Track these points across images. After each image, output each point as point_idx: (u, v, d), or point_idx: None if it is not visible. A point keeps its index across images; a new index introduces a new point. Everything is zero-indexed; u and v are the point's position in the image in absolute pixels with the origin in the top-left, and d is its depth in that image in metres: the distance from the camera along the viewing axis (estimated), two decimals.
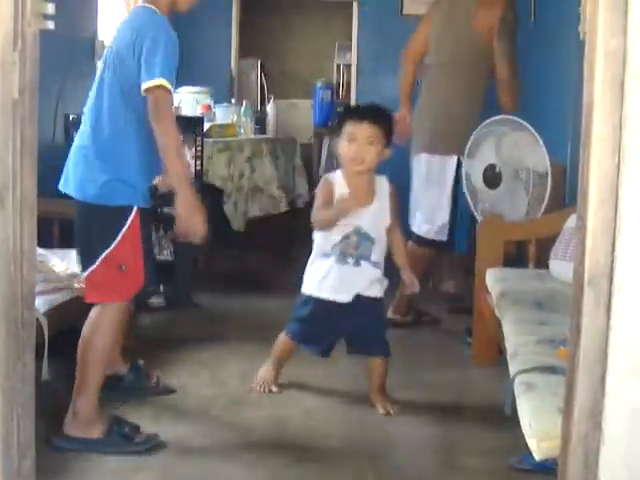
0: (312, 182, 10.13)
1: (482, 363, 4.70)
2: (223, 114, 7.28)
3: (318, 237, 4.08)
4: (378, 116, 4.01)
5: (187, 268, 5.97)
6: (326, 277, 4.03)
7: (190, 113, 6.96)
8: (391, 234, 4.12)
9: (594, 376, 1.89)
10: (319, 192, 4.09)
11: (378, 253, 4.04)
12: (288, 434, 3.78)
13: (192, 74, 8.03)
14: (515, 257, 5.31)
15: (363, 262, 4.00)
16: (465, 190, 5.19)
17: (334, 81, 11.37)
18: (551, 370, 2.81)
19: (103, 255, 3.48)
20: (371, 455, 3.57)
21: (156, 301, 5.84)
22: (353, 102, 9.05)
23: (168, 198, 5.74)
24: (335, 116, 11.15)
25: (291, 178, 7.75)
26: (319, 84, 11.31)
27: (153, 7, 3.52)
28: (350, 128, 3.97)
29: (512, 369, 3.04)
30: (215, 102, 7.35)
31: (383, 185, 4.10)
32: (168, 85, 3.39)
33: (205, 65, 8.38)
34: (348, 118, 4.02)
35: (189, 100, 7.17)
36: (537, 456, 2.54)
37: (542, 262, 4.65)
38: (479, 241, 4.79)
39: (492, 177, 5.01)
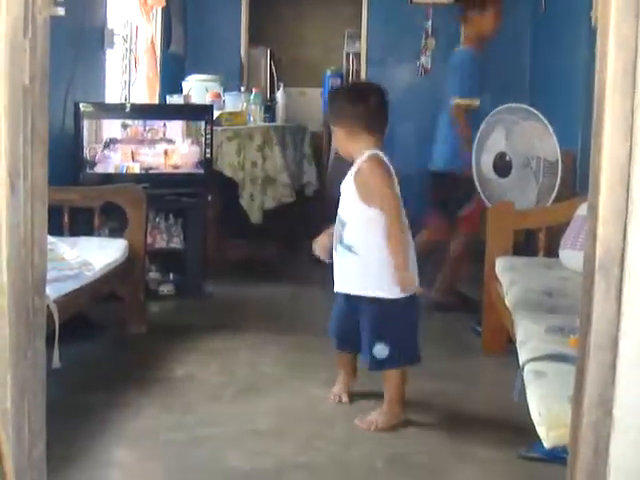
0: (322, 170, 10.15)
1: (492, 352, 4.69)
2: (233, 102, 7.27)
3: None
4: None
5: (197, 257, 5.98)
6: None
7: (199, 101, 6.96)
8: (389, 222, 3.67)
9: (604, 364, 1.88)
10: None
11: (350, 236, 3.70)
12: (296, 422, 3.79)
13: (202, 62, 8.07)
14: (525, 245, 5.30)
15: (338, 246, 3.75)
16: (475, 178, 5.17)
17: (344, 69, 11.36)
18: (561, 358, 2.80)
19: None
20: (380, 443, 3.57)
21: (166, 289, 5.86)
22: None
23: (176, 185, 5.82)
24: None
25: (299, 166, 7.74)
26: (329, 72, 11.31)
27: None
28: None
29: (522, 357, 3.03)
30: (225, 90, 7.34)
31: (360, 159, 3.70)
32: None
33: (215, 53, 8.39)
34: None
35: (199, 88, 7.18)
36: (547, 444, 2.53)
37: (552, 251, 4.64)
38: (489, 229, 4.78)
39: (502, 166, 5.01)
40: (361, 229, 3.70)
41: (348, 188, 3.72)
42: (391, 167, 3.73)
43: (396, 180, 3.78)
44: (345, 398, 4.01)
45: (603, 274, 1.85)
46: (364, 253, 3.70)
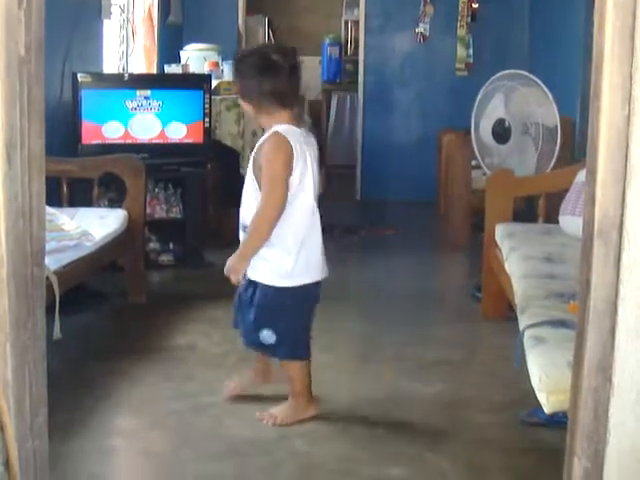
0: (321, 139, 10.13)
1: (492, 318, 4.70)
2: (231, 71, 7.23)
3: None
4: (234, 69, 3.53)
5: (197, 226, 5.98)
6: None
7: (198, 70, 6.94)
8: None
9: (603, 330, 1.89)
10: None
11: (246, 215, 3.40)
12: None
13: (200, 32, 8.04)
14: (525, 212, 5.30)
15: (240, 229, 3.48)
16: (474, 145, 5.17)
17: (342, 37, 11.33)
18: (561, 324, 2.81)
19: None
20: (382, 410, 3.59)
21: (166, 259, 5.86)
22: (361, 58, 8.99)
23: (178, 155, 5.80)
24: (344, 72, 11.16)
25: None
26: (327, 41, 11.28)
27: None
28: None
29: (522, 323, 3.04)
30: (223, 59, 7.31)
31: (262, 139, 3.39)
32: None
33: (212, 22, 8.35)
34: None
35: (196, 57, 7.15)
36: (547, 409, 2.55)
37: (552, 217, 4.64)
38: (488, 196, 4.77)
39: (501, 132, 5.00)
40: (254, 209, 3.36)
41: (250, 166, 3.41)
42: (298, 144, 3.32)
43: (304, 159, 3.35)
44: (232, 392, 3.69)
45: (602, 239, 1.85)
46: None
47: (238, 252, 3.41)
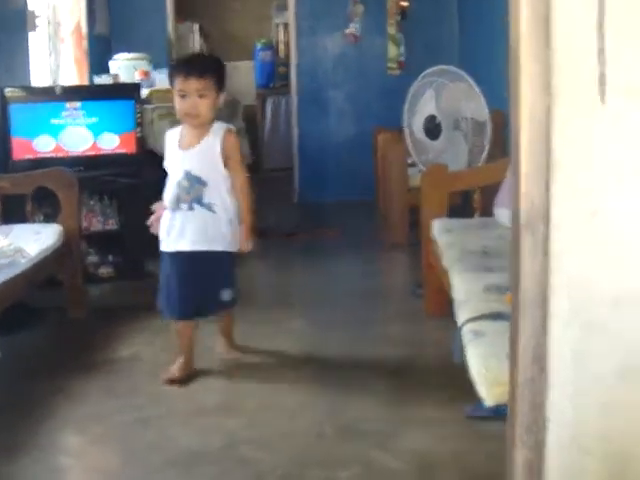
0: (258, 143, 10.12)
1: (433, 314, 4.70)
2: (162, 79, 7.19)
3: (165, 194, 4.03)
4: (205, 68, 3.94)
5: (135, 237, 5.91)
6: (168, 229, 3.98)
7: (128, 80, 6.89)
8: (234, 176, 3.99)
9: (536, 319, 1.89)
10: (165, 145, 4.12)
11: (213, 196, 3.93)
12: (243, 397, 3.79)
13: (128, 40, 7.97)
14: (461, 207, 5.33)
15: (196, 205, 3.92)
16: (408, 141, 5.18)
17: (274, 41, 11.32)
18: (499, 316, 2.83)
19: None
20: (326, 411, 3.59)
21: (106, 271, 5.80)
22: (293, 61, 8.98)
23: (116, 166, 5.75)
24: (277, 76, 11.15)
25: None
26: (259, 45, 11.26)
27: None
28: (180, 84, 3.91)
29: (460, 318, 3.05)
30: (154, 68, 7.27)
31: (219, 130, 3.97)
32: None
33: (141, 31, 8.29)
34: (176, 74, 3.95)
35: (126, 67, 7.12)
36: (488, 403, 2.56)
37: (488, 211, 4.66)
38: (423, 192, 4.79)
39: (433, 128, 5.02)
40: (221, 189, 3.95)
41: (208, 148, 3.94)
42: None
43: None
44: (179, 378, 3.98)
45: (529, 230, 1.86)
46: (220, 211, 3.95)
47: (246, 230, 4.02)
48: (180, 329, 4.08)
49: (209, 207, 3.93)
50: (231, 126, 4.06)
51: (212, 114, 3.95)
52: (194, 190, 3.92)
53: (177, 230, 3.95)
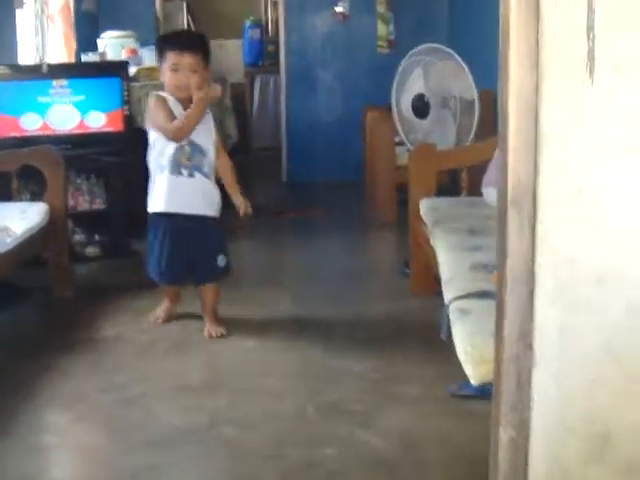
0: (246, 121, 10.07)
1: (421, 293, 4.69)
2: (150, 57, 7.14)
3: (154, 154, 4.17)
4: (198, 44, 4.17)
5: (122, 216, 5.90)
6: (163, 191, 4.15)
7: (116, 58, 6.85)
8: (218, 153, 4.27)
9: (522, 297, 1.88)
10: (159, 107, 4.12)
11: (209, 166, 4.19)
12: (228, 376, 3.78)
13: (116, 18, 7.92)
14: (449, 186, 5.32)
15: (197, 173, 4.14)
16: (396, 120, 5.16)
17: (262, 19, 11.26)
18: (485, 295, 2.82)
19: None
20: (311, 390, 3.58)
21: (92, 251, 5.78)
22: (282, 39, 8.93)
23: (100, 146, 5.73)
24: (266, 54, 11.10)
25: (219, 119, 7.65)
26: (248, 23, 11.20)
27: None
28: (173, 58, 4.08)
29: (447, 296, 3.05)
30: (141, 45, 7.22)
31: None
32: None
33: (129, 9, 8.25)
34: (169, 48, 4.12)
35: (114, 45, 7.07)
36: (474, 381, 2.56)
37: (476, 190, 4.65)
38: (411, 171, 4.77)
39: (421, 106, 5.00)
40: (212, 159, 4.21)
41: (208, 124, 4.20)
42: None
43: None
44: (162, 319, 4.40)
45: (516, 207, 1.85)
46: (213, 180, 4.23)
47: (238, 191, 4.30)
48: (167, 288, 4.43)
49: (207, 175, 4.17)
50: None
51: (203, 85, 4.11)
52: (195, 158, 4.13)
53: (174, 193, 4.13)
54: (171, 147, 4.09)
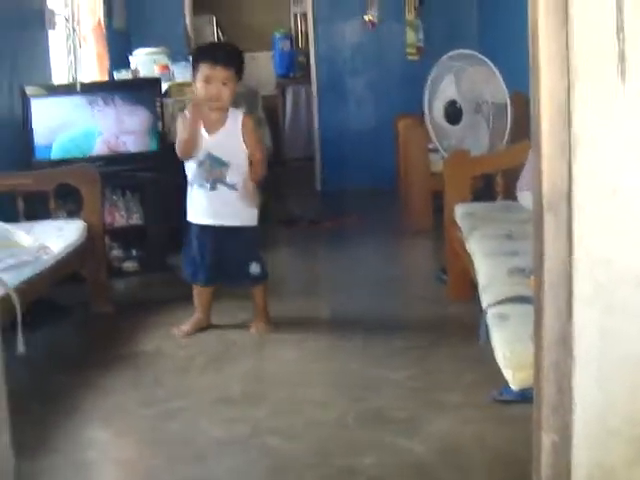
0: (278, 133, 10.10)
1: (458, 299, 4.68)
2: (182, 73, 7.19)
3: (186, 169, 4.33)
4: (231, 58, 4.24)
5: (158, 231, 5.93)
6: (194, 203, 4.34)
7: (148, 74, 6.89)
8: (251, 158, 4.30)
9: (560, 301, 1.88)
10: (178, 126, 4.28)
11: (235, 176, 4.25)
12: (268, 387, 3.79)
13: (147, 35, 7.98)
14: (484, 191, 5.30)
15: (219, 185, 4.25)
16: (428, 126, 5.16)
17: (292, 31, 11.30)
18: (522, 300, 2.81)
19: None
20: (351, 399, 3.57)
21: (130, 265, 5.82)
22: (312, 49, 8.95)
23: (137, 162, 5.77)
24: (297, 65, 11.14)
25: None
26: (277, 35, 11.24)
27: None
28: (206, 70, 4.16)
29: (484, 302, 3.04)
30: (173, 61, 7.26)
31: (237, 116, 4.31)
32: None
33: (159, 25, 8.31)
34: (203, 60, 4.20)
35: (146, 62, 7.10)
36: (514, 386, 2.55)
37: (511, 194, 4.64)
38: (446, 177, 4.77)
39: (453, 113, 4.99)
40: (242, 170, 4.26)
41: (230, 133, 4.26)
42: None
43: None
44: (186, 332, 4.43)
45: (552, 211, 1.85)
46: (240, 189, 4.26)
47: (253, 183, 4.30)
48: (199, 290, 4.49)
49: (232, 186, 4.24)
50: (245, 110, 4.52)
51: (231, 101, 4.25)
52: (215, 171, 4.23)
53: (203, 206, 4.30)
54: (192, 163, 4.26)
